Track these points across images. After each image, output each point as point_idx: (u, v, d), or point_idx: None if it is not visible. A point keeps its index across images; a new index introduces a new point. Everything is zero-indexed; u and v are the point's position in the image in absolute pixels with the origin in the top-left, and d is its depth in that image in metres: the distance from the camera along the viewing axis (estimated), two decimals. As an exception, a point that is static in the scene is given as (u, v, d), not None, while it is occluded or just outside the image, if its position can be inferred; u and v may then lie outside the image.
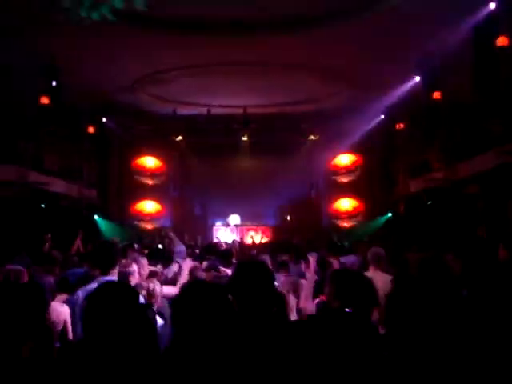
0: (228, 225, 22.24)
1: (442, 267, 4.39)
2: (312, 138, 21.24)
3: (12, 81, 12.07)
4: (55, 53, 12.94)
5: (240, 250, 14.17)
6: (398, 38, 12.28)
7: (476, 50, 11.28)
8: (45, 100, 13.66)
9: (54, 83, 13.73)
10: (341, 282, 3.83)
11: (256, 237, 21.54)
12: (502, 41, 10.53)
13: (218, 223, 22.44)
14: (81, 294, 4.61)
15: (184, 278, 5.91)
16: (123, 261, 5.30)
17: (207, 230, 21.97)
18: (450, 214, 14.64)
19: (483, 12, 10.68)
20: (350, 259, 8.57)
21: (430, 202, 16.33)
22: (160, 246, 14.38)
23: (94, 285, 4.26)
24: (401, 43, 12.53)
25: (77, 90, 15.03)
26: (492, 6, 10.42)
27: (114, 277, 4.74)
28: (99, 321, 2.64)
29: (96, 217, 19.02)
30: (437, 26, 11.19)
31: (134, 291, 2.93)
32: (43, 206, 15.50)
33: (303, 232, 19.01)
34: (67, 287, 5.64)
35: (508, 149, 11.57)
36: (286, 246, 11.61)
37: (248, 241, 20.79)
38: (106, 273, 4.72)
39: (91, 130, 18.40)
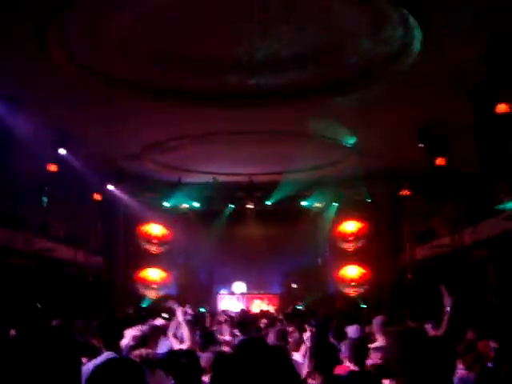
0: (233, 293, 22.00)
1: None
2: (317, 205, 21.29)
3: (20, 147, 12.26)
4: (64, 121, 13.21)
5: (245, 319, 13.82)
6: (400, 108, 12.53)
7: (476, 117, 11.44)
8: (52, 167, 13.84)
9: (61, 150, 13.96)
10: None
11: (262, 305, 21.25)
12: (501, 108, 10.71)
13: (223, 291, 22.19)
14: (91, 366, 4.46)
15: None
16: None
17: (212, 298, 21.74)
18: (457, 280, 14.47)
19: (481, 79, 10.88)
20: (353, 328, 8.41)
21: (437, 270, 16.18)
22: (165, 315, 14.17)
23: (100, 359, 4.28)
24: (402, 113, 12.77)
25: (84, 157, 15.27)
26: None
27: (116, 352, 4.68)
28: None
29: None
30: (438, 94, 11.44)
31: (140, 368, 2.86)
32: (49, 273, 15.42)
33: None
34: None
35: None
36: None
37: (255, 309, 20.46)
38: (109, 347, 4.65)
39: (97, 196, 18.56)
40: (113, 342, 4.68)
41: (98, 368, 2.73)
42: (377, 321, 6.51)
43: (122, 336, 4.81)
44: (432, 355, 2.89)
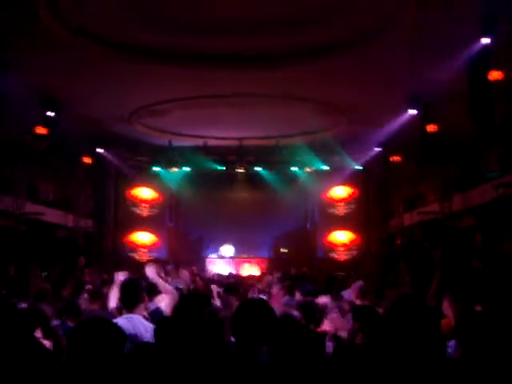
0: (222, 257, 22.10)
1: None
2: (307, 169, 21.30)
3: (7, 111, 12.08)
4: (52, 83, 13.01)
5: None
6: (393, 72, 12.45)
7: (470, 84, 11.39)
8: (41, 130, 13.69)
9: (50, 113, 13.77)
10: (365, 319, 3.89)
11: (252, 269, 21.39)
12: (495, 75, 10.67)
13: (213, 255, 22.27)
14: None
15: None
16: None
17: (201, 261, 21.84)
18: (445, 246, 14.62)
19: (476, 46, 10.81)
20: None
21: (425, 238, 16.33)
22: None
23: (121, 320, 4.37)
24: (396, 77, 12.70)
25: (73, 120, 15.10)
26: (485, 40, 10.55)
27: (139, 313, 4.70)
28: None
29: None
30: (431, 59, 11.33)
31: (119, 331, 2.85)
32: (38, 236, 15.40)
33: (298, 264, 19.00)
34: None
35: (505, 181, 11.62)
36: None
37: (244, 273, 20.60)
38: (131, 310, 4.67)
39: (87, 160, 18.46)
40: (132, 303, 4.67)
41: (79, 325, 2.76)
42: (355, 286, 6.62)
43: (140, 300, 4.78)
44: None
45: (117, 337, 2.71)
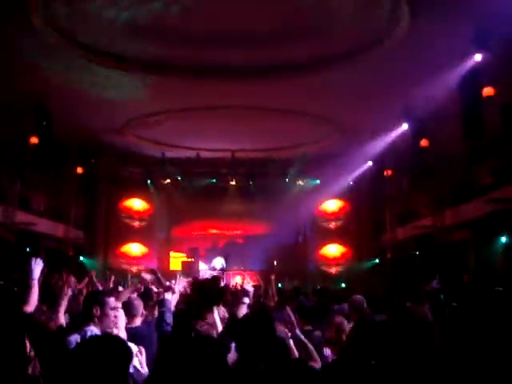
0: (214, 268, 21.99)
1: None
2: (300, 183, 21.31)
3: (0, 120, 12.05)
4: (46, 93, 12.97)
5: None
6: (386, 86, 12.51)
7: (463, 100, 11.46)
8: (34, 140, 13.62)
9: (43, 123, 13.72)
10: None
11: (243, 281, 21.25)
12: (487, 91, 10.75)
13: (204, 267, 22.16)
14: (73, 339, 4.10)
15: None
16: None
17: (194, 274, 21.68)
18: (437, 261, 14.61)
19: (469, 63, 10.89)
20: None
21: (417, 252, 16.32)
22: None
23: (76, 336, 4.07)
24: (388, 92, 12.76)
25: (66, 130, 15.06)
26: (478, 57, 10.63)
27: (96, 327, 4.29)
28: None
29: (82, 258, 18.85)
30: (424, 75, 11.37)
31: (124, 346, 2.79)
32: (28, 248, 15.22)
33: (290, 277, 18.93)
34: None
35: (496, 196, 11.66)
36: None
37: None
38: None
39: (79, 170, 18.39)
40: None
41: (81, 344, 2.70)
42: (353, 300, 6.46)
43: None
44: None
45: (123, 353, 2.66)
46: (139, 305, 5.49)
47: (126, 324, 4.96)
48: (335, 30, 10.83)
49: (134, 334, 4.77)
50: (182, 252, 21.99)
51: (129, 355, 2.72)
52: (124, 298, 5.59)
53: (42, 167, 15.20)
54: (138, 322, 5.41)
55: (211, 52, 11.76)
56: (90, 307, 4.29)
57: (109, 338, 2.94)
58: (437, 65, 11.02)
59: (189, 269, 19.73)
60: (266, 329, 3.23)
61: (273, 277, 10.04)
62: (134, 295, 5.99)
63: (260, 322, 3.26)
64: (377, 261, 19.75)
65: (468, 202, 13.27)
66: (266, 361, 3.13)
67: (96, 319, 4.23)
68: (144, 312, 5.92)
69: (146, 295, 5.99)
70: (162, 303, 5.04)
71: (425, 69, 11.28)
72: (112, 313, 4.37)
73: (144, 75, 12.60)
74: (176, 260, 21.85)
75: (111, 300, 4.39)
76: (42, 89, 12.66)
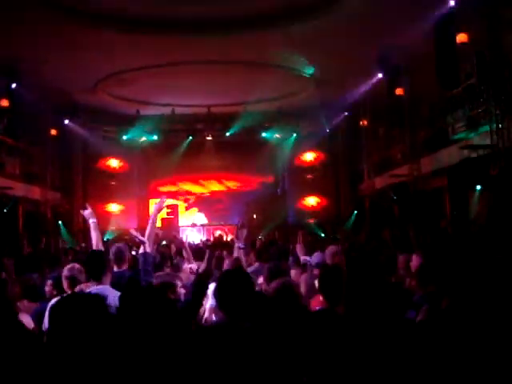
0: (194, 224, 22.10)
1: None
2: (277, 135, 21.30)
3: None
4: (15, 54, 12.67)
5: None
6: (359, 35, 12.42)
7: (437, 46, 11.45)
8: (4, 102, 13.37)
9: (13, 85, 13.44)
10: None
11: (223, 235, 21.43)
12: (461, 37, 10.74)
13: (184, 223, 22.24)
14: None
15: None
16: None
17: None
18: (414, 208, 14.83)
19: (443, 9, 10.84)
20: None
21: (395, 197, 16.52)
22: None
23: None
24: (362, 41, 12.66)
25: (38, 91, 14.77)
26: (451, 2, 10.59)
27: (106, 284, 4.64)
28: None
29: (60, 222, 18.80)
30: (398, 23, 11.31)
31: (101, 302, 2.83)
32: (5, 210, 15.11)
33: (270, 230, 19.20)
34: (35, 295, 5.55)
35: (471, 143, 11.80)
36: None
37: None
38: (99, 280, 4.62)
39: (53, 132, 18.14)
40: (99, 276, 4.66)
41: (58, 302, 2.73)
42: (329, 250, 6.63)
43: (106, 270, 4.76)
44: None
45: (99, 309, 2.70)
46: (125, 250, 5.67)
47: (116, 268, 5.30)
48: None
49: (119, 278, 5.02)
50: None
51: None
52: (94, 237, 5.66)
53: (14, 131, 14.99)
54: (124, 267, 5.55)
55: (184, 7, 11.55)
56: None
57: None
58: (410, 11, 10.94)
59: (168, 226, 19.77)
60: (246, 286, 3.30)
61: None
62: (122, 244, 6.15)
63: (240, 279, 3.32)
64: (355, 212, 19.93)
65: (443, 148, 13.40)
66: (252, 318, 3.20)
67: None
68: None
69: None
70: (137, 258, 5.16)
71: (398, 16, 11.19)
72: None
73: (115, 32, 12.33)
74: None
75: None
76: (11, 50, 12.36)
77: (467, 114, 12.12)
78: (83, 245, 15.14)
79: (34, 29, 11.49)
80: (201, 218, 22.36)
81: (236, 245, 6.16)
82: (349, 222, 19.75)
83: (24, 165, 17.08)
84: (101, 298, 2.79)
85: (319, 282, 4.00)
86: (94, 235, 5.56)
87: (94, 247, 5.42)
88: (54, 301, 4.08)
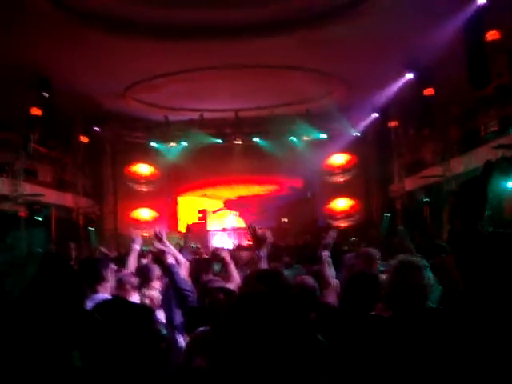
0: (224, 229, 22.09)
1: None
2: (305, 138, 21.19)
3: (2, 93, 11.95)
4: (45, 64, 12.84)
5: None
6: (388, 36, 12.29)
7: (467, 45, 11.26)
8: (37, 111, 13.55)
9: (45, 94, 13.62)
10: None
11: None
12: (492, 35, 10.55)
13: (214, 227, 22.24)
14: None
15: None
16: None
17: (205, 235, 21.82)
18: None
19: (473, 6, 10.66)
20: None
21: (426, 199, 16.29)
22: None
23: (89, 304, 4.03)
24: (391, 41, 12.53)
25: (68, 100, 14.95)
26: (481, 0, 10.41)
27: (105, 293, 4.34)
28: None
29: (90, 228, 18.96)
30: (427, 22, 11.16)
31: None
32: (40, 218, 15.27)
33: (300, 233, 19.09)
34: None
35: (504, 142, 11.57)
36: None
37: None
38: (93, 290, 4.32)
39: (84, 139, 18.37)
40: (94, 284, 4.47)
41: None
42: (362, 252, 6.41)
43: (101, 278, 4.54)
44: None
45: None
46: (154, 268, 5.25)
47: (143, 288, 4.83)
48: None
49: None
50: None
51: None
52: (132, 264, 5.53)
53: (46, 139, 15.18)
54: (155, 285, 5.17)
55: (210, 12, 11.58)
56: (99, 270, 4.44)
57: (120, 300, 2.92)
58: (439, 10, 10.78)
59: (196, 231, 19.75)
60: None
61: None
62: (149, 259, 5.96)
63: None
64: (388, 215, 19.62)
65: (474, 148, 13.18)
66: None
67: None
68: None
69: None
70: (167, 269, 4.95)
71: (427, 15, 11.04)
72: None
73: (143, 39, 12.42)
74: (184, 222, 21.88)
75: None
76: (42, 61, 12.53)
77: (499, 113, 11.91)
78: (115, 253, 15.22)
79: (62, 39, 11.63)
80: (232, 222, 22.33)
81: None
82: (383, 225, 19.47)
83: (56, 172, 17.32)
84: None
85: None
86: (132, 262, 5.48)
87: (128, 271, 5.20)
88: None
